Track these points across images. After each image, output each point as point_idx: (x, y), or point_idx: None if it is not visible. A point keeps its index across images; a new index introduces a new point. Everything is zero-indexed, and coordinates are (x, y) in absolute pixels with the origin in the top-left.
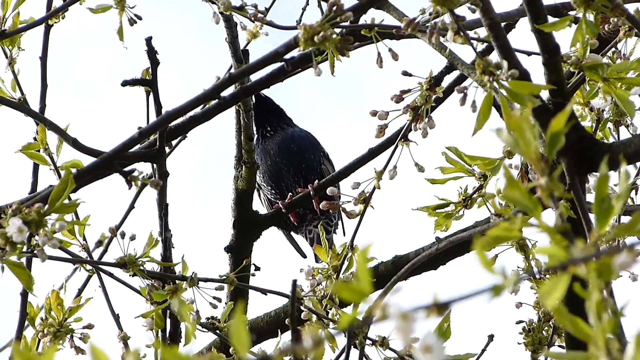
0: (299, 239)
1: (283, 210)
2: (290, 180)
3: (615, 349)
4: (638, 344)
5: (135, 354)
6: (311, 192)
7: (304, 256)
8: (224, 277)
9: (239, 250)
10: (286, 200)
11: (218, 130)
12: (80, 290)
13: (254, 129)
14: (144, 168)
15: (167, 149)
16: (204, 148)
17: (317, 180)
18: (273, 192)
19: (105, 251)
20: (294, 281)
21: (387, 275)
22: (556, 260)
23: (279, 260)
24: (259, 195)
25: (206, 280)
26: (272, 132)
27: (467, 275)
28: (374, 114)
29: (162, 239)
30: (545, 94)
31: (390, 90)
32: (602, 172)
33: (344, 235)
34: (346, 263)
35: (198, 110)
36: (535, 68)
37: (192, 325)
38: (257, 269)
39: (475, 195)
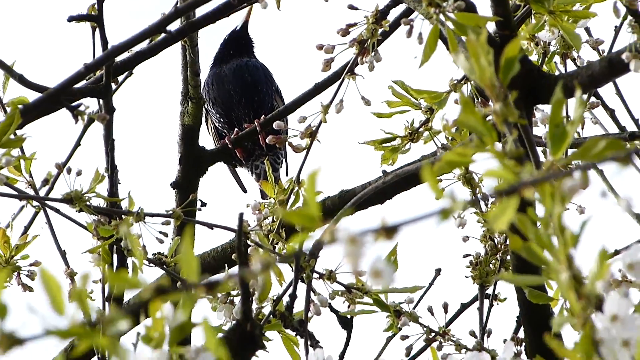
0: (244, 173)
1: (229, 145)
2: (241, 112)
3: (575, 264)
4: (602, 258)
5: (84, 280)
6: (257, 128)
7: (245, 191)
8: (170, 212)
9: (186, 185)
10: (232, 136)
11: (165, 66)
12: (27, 228)
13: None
14: (90, 104)
15: (113, 85)
16: (150, 84)
17: (263, 116)
18: (221, 120)
19: (51, 188)
20: (241, 214)
21: (333, 209)
22: (506, 183)
23: (226, 196)
24: (206, 122)
25: (152, 215)
26: (229, 58)
27: (415, 209)
28: (320, 47)
29: (108, 174)
30: (491, 27)
31: (336, 24)
32: (557, 97)
33: (287, 175)
34: (292, 198)
35: (144, 45)
36: (482, 1)
37: (140, 259)
38: (204, 204)
39: (421, 129)
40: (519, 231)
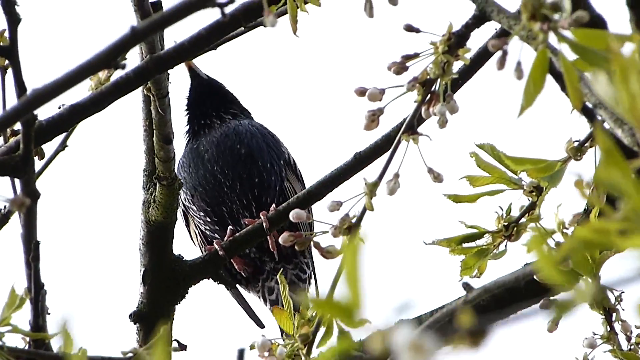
0: (254, 299)
1: (220, 252)
2: (235, 202)
3: None
4: None
5: None
6: (264, 225)
7: (262, 326)
8: (129, 356)
9: (153, 316)
10: (226, 238)
11: (118, 128)
12: None
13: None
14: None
15: (37, 158)
16: (95, 156)
17: (273, 205)
18: (207, 219)
19: None
20: (240, 352)
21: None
22: None
23: (220, 331)
24: (186, 221)
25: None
26: (205, 126)
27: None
28: (361, 92)
29: (30, 297)
30: None
31: (387, 56)
32: None
33: (317, 295)
34: (322, 331)
35: (85, 94)
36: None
37: None
38: (182, 347)
39: (524, 220)
40: None
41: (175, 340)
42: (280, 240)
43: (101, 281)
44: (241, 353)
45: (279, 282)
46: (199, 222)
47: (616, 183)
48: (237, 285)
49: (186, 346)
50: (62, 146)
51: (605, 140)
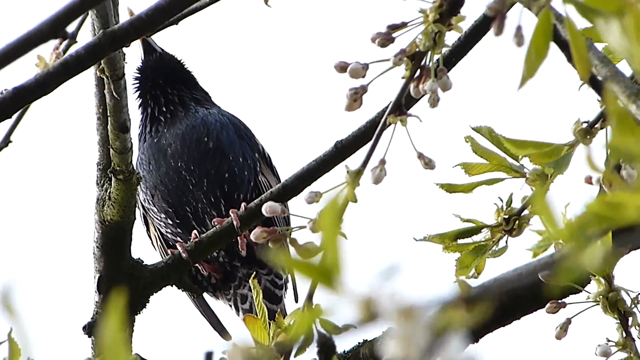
0: (223, 308)
1: (184, 255)
2: (202, 200)
3: None
4: None
5: None
6: (235, 223)
7: (228, 338)
8: None
9: None
10: (191, 240)
11: (68, 117)
12: None
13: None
14: None
15: None
16: (42, 149)
17: (244, 203)
18: (169, 221)
19: None
20: (208, 354)
21: None
22: None
23: (184, 343)
24: (147, 229)
25: None
26: (167, 112)
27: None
28: (342, 68)
29: None
30: None
31: (371, 27)
32: None
33: (296, 300)
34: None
35: (28, 77)
36: None
37: None
38: None
39: (526, 212)
40: None
41: (136, 354)
42: (252, 236)
43: (51, 290)
44: (209, 356)
45: (252, 288)
46: (160, 225)
47: (631, 150)
48: (204, 294)
49: None
50: (6, 142)
51: (617, 105)
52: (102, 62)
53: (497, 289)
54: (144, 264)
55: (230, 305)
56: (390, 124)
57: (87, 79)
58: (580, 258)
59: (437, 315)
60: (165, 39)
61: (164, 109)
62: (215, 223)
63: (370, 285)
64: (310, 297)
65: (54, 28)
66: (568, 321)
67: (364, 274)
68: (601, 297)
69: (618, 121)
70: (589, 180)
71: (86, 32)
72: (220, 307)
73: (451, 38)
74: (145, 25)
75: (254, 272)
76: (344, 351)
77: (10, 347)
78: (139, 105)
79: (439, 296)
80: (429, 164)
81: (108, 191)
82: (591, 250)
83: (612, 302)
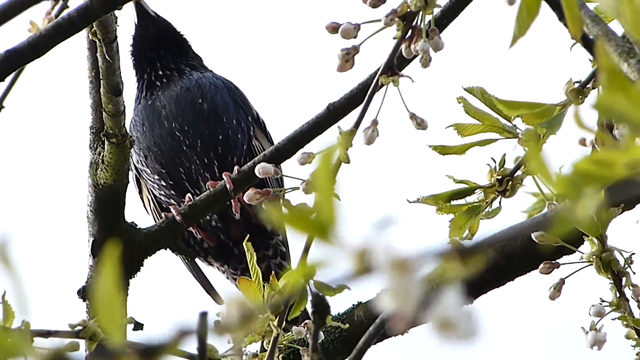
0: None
1: (177, 218)
2: (195, 162)
3: None
4: None
5: None
6: (228, 186)
7: (220, 302)
8: (79, 329)
9: None
10: (186, 202)
11: (60, 81)
12: None
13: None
14: None
15: None
16: (34, 113)
17: (236, 167)
18: (162, 183)
19: None
20: (203, 314)
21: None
22: None
23: (179, 307)
24: (140, 191)
25: (47, 333)
26: (163, 77)
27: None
28: (333, 29)
29: None
30: None
31: None
32: None
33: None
34: (296, 299)
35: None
36: None
37: None
38: (138, 326)
39: (519, 173)
40: None
41: (131, 318)
42: (245, 198)
43: (45, 254)
44: (203, 316)
45: (246, 251)
46: (153, 187)
47: (621, 108)
48: (197, 259)
49: (143, 325)
50: None
51: (608, 60)
52: (94, 25)
53: (490, 244)
54: (138, 227)
55: (224, 272)
56: (382, 85)
57: (79, 42)
58: (573, 211)
59: (431, 268)
60: (157, 2)
61: (160, 73)
62: (209, 186)
63: (364, 237)
64: (306, 250)
65: None
66: (562, 281)
67: (358, 229)
68: (594, 257)
69: (609, 77)
70: (582, 142)
71: None
72: (214, 272)
73: None
74: None
75: (262, 255)
76: (339, 313)
77: (4, 310)
78: (136, 70)
79: (433, 249)
80: (421, 124)
81: (101, 155)
82: (584, 203)
83: (606, 262)
